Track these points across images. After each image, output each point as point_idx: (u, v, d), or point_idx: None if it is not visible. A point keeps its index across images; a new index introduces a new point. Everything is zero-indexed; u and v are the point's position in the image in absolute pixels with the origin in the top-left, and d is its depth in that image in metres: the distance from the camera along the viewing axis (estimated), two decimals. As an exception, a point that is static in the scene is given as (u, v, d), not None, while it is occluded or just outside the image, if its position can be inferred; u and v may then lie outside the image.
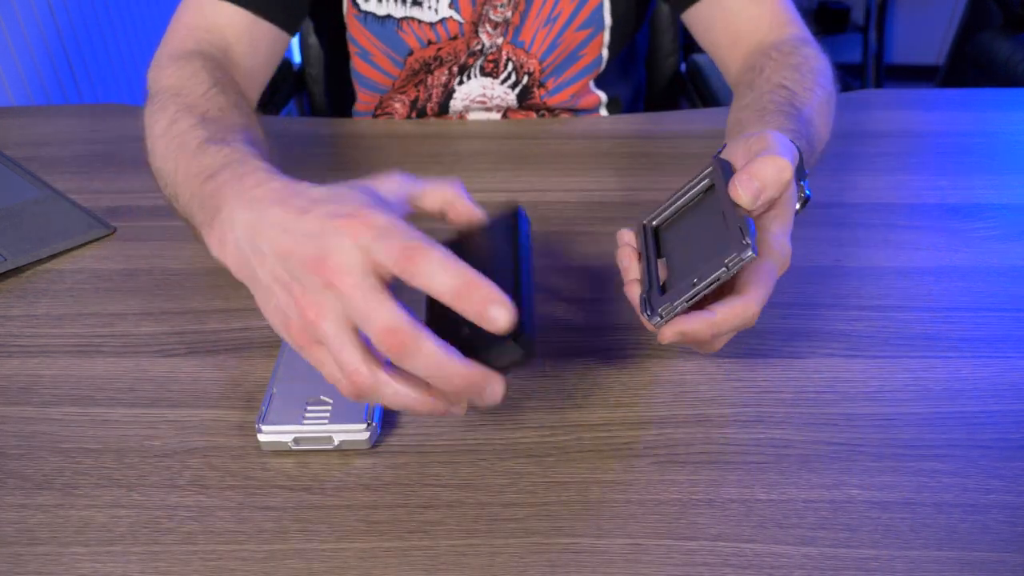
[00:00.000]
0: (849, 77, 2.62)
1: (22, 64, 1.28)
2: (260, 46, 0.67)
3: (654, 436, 0.42)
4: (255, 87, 0.68)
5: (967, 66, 1.94)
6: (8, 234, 0.59)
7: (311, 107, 1.07)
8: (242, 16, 0.66)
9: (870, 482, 0.40)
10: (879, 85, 2.57)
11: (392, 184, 0.39)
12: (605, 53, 0.80)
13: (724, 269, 0.38)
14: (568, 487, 0.40)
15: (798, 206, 0.49)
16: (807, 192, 0.48)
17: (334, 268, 0.33)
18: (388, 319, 0.33)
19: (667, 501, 0.39)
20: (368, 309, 0.33)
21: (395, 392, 0.35)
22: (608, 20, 0.78)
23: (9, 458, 0.42)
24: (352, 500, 0.39)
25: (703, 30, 0.74)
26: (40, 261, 0.57)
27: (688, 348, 0.48)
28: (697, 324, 0.40)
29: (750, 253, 0.37)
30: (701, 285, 0.39)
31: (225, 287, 0.54)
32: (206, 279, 0.55)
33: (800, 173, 0.48)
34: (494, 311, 0.32)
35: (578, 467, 0.41)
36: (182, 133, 0.51)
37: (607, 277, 0.54)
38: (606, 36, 0.79)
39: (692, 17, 0.74)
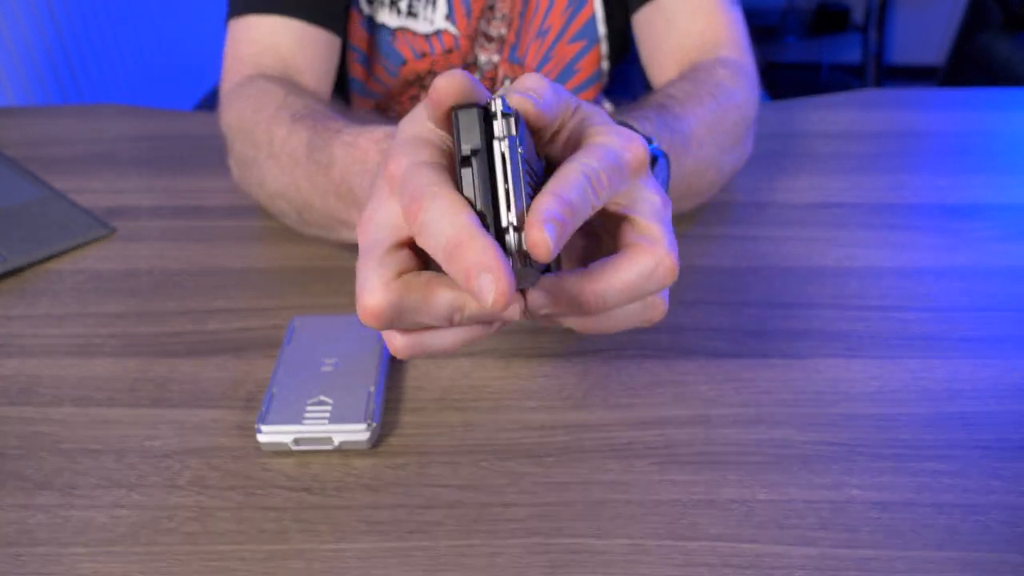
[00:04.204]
0: (849, 77, 2.63)
1: (22, 64, 1.28)
2: (316, 55, 0.66)
3: (654, 436, 0.42)
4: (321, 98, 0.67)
5: (967, 66, 1.94)
6: (8, 234, 0.59)
7: None
8: (293, 27, 0.64)
9: (870, 482, 0.40)
10: (879, 85, 2.57)
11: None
12: (605, 65, 0.79)
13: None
14: (568, 487, 0.40)
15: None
16: (654, 150, 0.43)
17: (364, 226, 0.32)
18: (368, 299, 0.30)
19: (667, 501, 0.39)
20: (360, 279, 0.31)
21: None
22: (603, 31, 0.76)
23: (9, 458, 0.42)
24: (352, 500, 0.39)
25: (644, 37, 0.70)
26: (40, 261, 0.57)
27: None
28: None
29: (499, 100, 0.29)
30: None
31: (225, 287, 0.54)
32: (206, 279, 0.55)
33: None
34: (480, 283, 0.26)
35: (578, 467, 0.41)
36: (280, 144, 0.52)
37: (607, 277, 0.54)
38: (603, 47, 0.77)
39: (638, 21, 0.71)
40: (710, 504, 0.39)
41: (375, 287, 0.30)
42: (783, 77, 2.55)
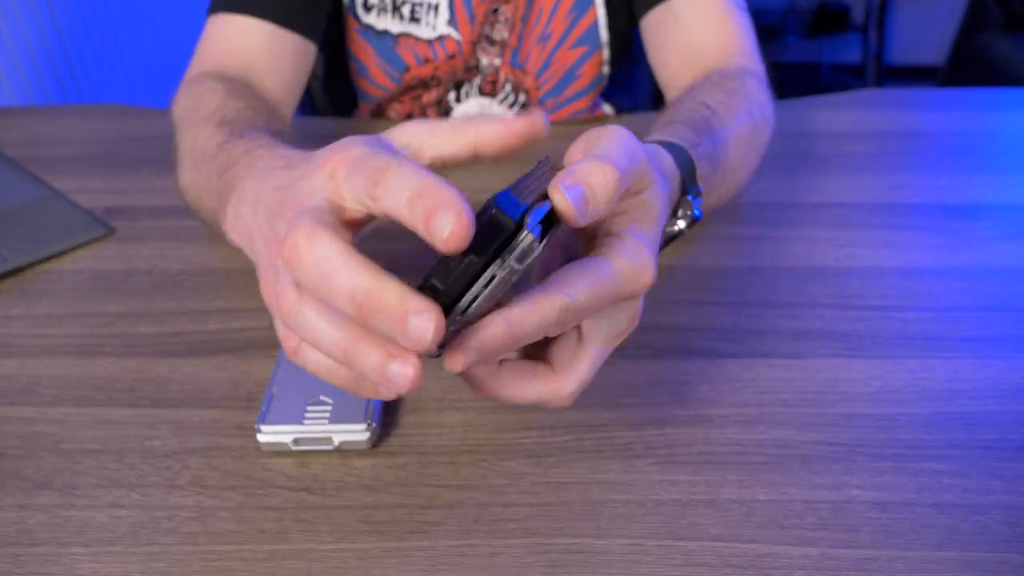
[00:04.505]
0: (849, 77, 2.63)
1: (22, 64, 1.28)
2: (284, 59, 0.65)
3: (654, 436, 0.42)
4: (285, 104, 0.66)
5: (967, 66, 1.94)
6: (8, 234, 0.59)
7: (312, 106, 1.07)
8: (264, 30, 0.64)
9: (870, 482, 0.40)
10: (879, 85, 2.57)
11: (404, 132, 0.34)
12: (606, 70, 0.79)
13: (500, 262, 0.28)
14: (568, 487, 0.40)
15: (682, 224, 0.44)
16: (696, 212, 0.42)
17: (293, 202, 0.30)
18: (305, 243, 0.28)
19: (667, 501, 0.39)
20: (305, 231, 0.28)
21: (314, 329, 0.29)
22: (605, 36, 0.76)
23: (9, 458, 0.42)
24: (352, 500, 0.39)
25: (652, 38, 0.70)
26: (40, 261, 0.57)
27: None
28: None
29: (529, 238, 0.27)
30: (477, 285, 0.28)
31: (225, 287, 0.54)
32: (206, 279, 0.55)
33: (690, 188, 0.43)
34: (439, 220, 0.26)
35: (578, 467, 0.41)
36: (201, 145, 0.51)
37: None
38: (605, 53, 0.77)
39: (646, 24, 0.70)
40: (710, 504, 0.39)
41: (315, 236, 0.28)
42: (783, 77, 2.54)
